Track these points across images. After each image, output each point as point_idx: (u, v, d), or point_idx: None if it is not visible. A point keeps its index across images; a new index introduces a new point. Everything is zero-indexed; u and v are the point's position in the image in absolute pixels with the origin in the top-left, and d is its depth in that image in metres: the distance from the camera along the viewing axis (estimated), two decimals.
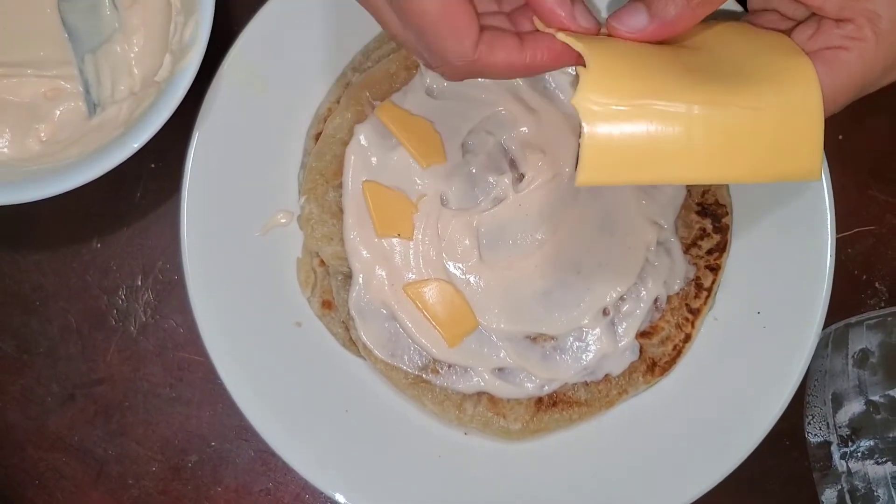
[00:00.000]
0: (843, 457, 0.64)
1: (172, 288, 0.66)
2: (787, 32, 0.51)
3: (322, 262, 0.64)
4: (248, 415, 0.61)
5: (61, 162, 0.61)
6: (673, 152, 0.46)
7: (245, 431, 0.61)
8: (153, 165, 0.67)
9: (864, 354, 0.65)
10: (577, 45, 0.46)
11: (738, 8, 0.62)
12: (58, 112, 0.64)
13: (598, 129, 0.45)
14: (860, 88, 0.49)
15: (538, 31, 0.48)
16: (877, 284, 0.69)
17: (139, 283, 0.66)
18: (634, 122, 0.45)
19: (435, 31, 0.46)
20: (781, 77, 0.47)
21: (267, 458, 0.61)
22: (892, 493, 0.63)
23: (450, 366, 0.62)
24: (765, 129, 0.46)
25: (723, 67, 0.48)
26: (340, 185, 0.63)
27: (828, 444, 0.65)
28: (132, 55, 0.64)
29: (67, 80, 0.64)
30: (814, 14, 0.51)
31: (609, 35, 0.49)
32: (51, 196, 0.58)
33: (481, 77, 0.49)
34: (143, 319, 0.66)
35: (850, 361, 0.65)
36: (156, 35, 0.64)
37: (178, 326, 0.66)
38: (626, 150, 0.45)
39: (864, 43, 0.48)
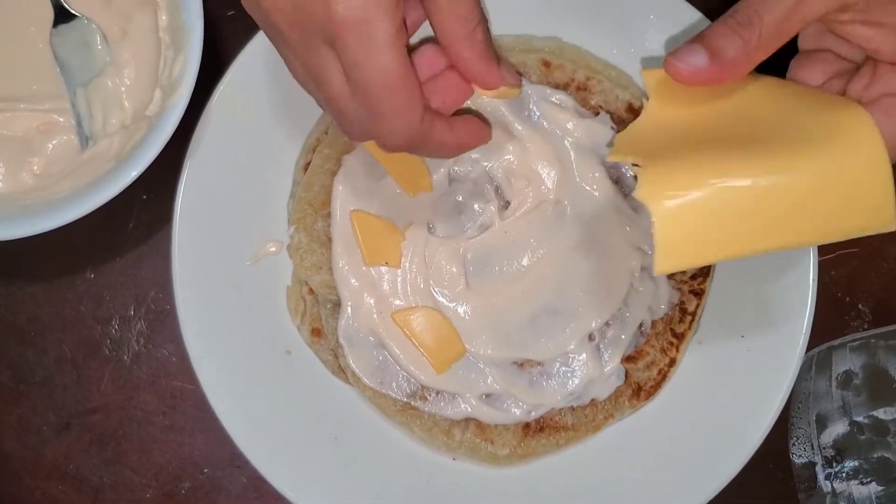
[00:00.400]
0: (827, 477, 0.65)
1: (165, 317, 0.67)
2: (845, 77, 0.51)
3: (311, 291, 0.64)
4: (238, 442, 0.62)
5: (54, 195, 0.62)
6: (744, 226, 0.46)
7: (237, 458, 0.62)
8: (145, 197, 0.68)
9: (848, 376, 0.65)
10: (629, 158, 0.47)
11: None
12: (50, 146, 0.65)
13: (667, 218, 0.46)
14: None
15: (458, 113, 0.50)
16: (860, 306, 0.69)
17: (132, 312, 0.67)
18: (701, 205, 0.46)
19: (392, 97, 0.46)
20: (839, 133, 0.47)
21: (259, 484, 0.62)
22: None
23: (438, 392, 0.63)
24: (832, 189, 0.46)
25: (773, 130, 0.48)
26: (329, 215, 0.64)
27: (812, 464, 0.66)
28: (123, 89, 0.65)
29: (60, 114, 0.65)
30: (869, 58, 0.50)
31: (666, 72, 0.49)
32: (45, 231, 0.59)
33: (412, 152, 0.50)
34: (137, 349, 0.67)
35: (834, 383, 0.65)
36: (146, 69, 0.65)
37: (170, 355, 0.67)
38: (697, 232, 0.46)
39: None
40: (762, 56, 0.49)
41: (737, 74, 0.49)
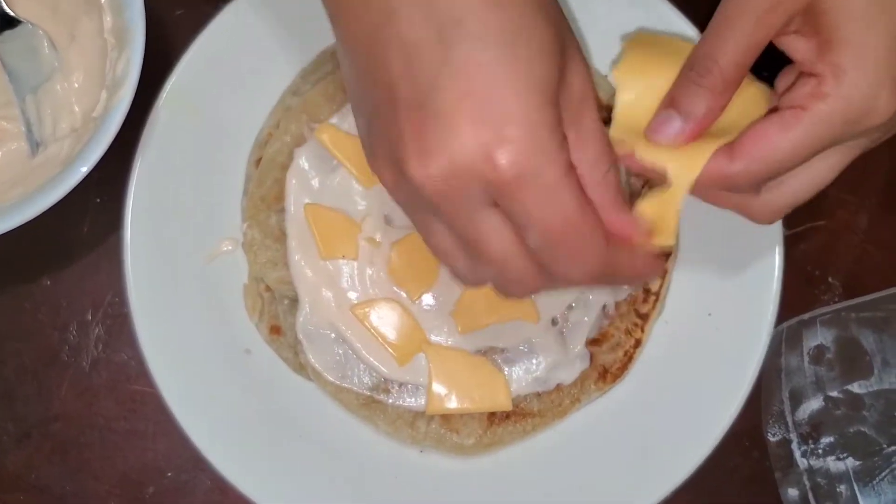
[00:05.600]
0: (803, 455, 0.64)
1: (123, 321, 0.66)
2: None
3: (268, 288, 0.64)
4: (199, 445, 0.61)
5: (4, 203, 0.61)
6: None
7: (200, 461, 0.61)
8: (98, 200, 0.67)
9: (820, 350, 0.64)
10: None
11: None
12: (0, 153, 0.65)
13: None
14: (813, 148, 0.48)
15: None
16: (830, 279, 0.68)
17: (90, 318, 0.66)
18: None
19: (575, 237, 0.44)
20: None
21: (223, 486, 0.61)
22: (855, 487, 0.62)
23: (401, 384, 0.62)
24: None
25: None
26: (283, 210, 0.63)
27: (787, 442, 0.65)
28: (72, 93, 0.65)
29: (9, 121, 0.65)
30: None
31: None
32: None
33: (602, 285, 0.50)
34: (95, 354, 0.66)
35: (807, 358, 0.64)
36: (94, 72, 0.64)
37: (129, 359, 0.66)
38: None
39: (821, 102, 0.47)
40: (732, 92, 0.49)
41: (713, 120, 0.49)
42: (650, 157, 0.49)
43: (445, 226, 0.46)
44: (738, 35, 0.48)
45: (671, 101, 0.50)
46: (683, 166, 0.49)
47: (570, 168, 0.44)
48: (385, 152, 0.44)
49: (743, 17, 0.48)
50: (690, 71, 0.49)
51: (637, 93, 0.52)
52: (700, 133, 0.49)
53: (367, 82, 0.45)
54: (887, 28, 0.47)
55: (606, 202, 0.46)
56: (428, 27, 0.42)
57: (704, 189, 0.50)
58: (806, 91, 0.48)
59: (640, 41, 0.56)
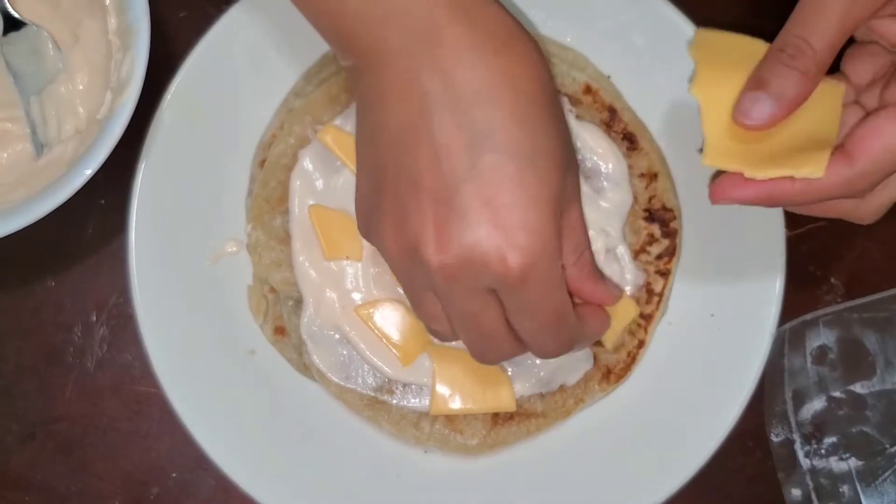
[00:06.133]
0: (806, 455, 0.64)
1: (127, 322, 0.66)
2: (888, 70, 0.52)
3: (273, 289, 0.64)
4: (204, 446, 0.61)
5: (7, 204, 0.61)
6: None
7: (204, 461, 0.61)
8: (103, 201, 0.67)
9: (823, 351, 0.64)
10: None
11: None
12: (5, 155, 0.65)
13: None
14: None
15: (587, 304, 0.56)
16: (832, 280, 0.68)
17: (94, 318, 0.67)
18: None
19: (561, 329, 0.51)
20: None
21: (227, 485, 0.61)
22: (858, 488, 0.62)
23: (405, 385, 0.62)
24: None
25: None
26: (287, 211, 0.63)
27: (790, 442, 0.65)
28: (76, 95, 0.65)
29: (14, 123, 0.65)
30: None
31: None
32: None
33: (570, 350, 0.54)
34: (100, 355, 0.66)
35: (809, 359, 0.64)
36: (98, 73, 0.64)
37: (133, 360, 0.66)
38: None
39: None
40: (820, 77, 0.50)
41: (799, 105, 0.50)
42: (762, 173, 0.49)
43: (438, 298, 0.50)
44: (832, 16, 0.48)
45: (759, 83, 0.49)
46: (808, 166, 0.48)
47: (562, 268, 0.50)
48: (397, 228, 0.49)
49: None
50: (781, 52, 0.49)
51: (721, 112, 0.52)
52: (786, 117, 0.50)
53: (389, 164, 0.49)
54: None
55: (584, 277, 0.53)
56: (459, 133, 0.46)
57: (822, 198, 0.50)
58: None
59: (707, 47, 0.55)
